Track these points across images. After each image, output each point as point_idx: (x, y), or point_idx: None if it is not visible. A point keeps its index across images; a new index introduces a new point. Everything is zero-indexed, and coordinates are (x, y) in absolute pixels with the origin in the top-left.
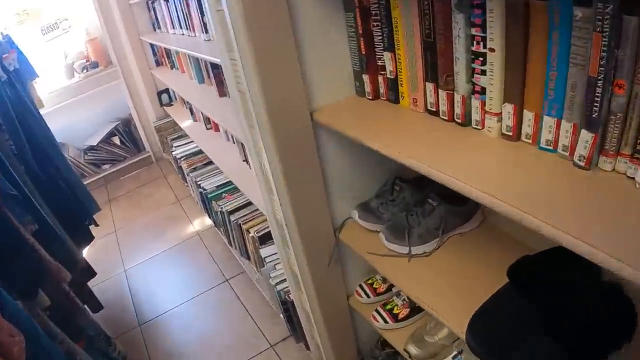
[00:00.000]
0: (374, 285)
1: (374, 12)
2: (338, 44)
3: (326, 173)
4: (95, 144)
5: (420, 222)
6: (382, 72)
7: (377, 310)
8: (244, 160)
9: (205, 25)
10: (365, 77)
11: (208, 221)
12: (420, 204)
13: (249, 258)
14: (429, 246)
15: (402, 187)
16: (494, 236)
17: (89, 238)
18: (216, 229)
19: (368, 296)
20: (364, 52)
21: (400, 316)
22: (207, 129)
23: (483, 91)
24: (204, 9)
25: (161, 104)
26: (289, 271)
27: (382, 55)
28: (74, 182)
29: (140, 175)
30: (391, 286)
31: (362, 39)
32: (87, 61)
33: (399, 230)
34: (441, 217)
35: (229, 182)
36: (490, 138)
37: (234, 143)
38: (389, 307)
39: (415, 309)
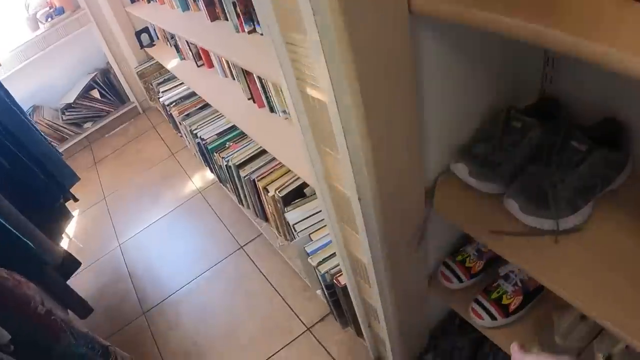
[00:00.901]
0: (467, 264)
1: None
2: None
3: (422, 102)
4: (72, 100)
5: (566, 178)
6: None
7: (478, 302)
8: (249, 99)
9: None
10: None
11: (210, 175)
12: (559, 149)
13: (266, 220)
14: (581, 215)
15: (526, 124)
16: None
17: (65, 219)
18: (221, 184)
19: (460, 280)
20: None
21: (512, 307)
22: (199, 66)
23: None
24: None
25: (141, 46)
26: (347, 256)
27: None
28: (41, 153)
29: (127, 130)
30: (491, 262)
31: None
32: (50, 8)
33: (538, 193)
34: (597, 169)
35: (233, 128)
36: None
37: (235, 79)
38: (495, 295)
39: (530, 295)
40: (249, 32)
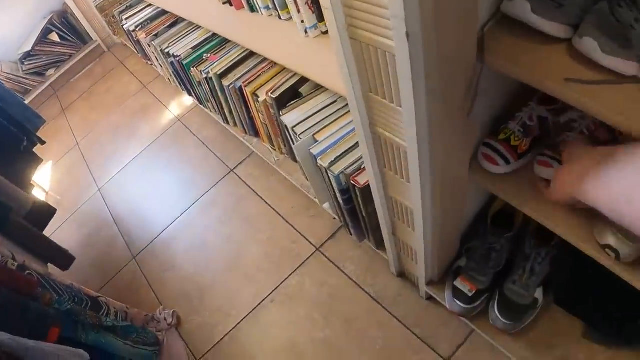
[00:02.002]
0: (512, 142)
1: None
2: None
3: None
4: (30, 48)
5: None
6: None
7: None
8: (225, 2)
9: None
10: None
11: (189, 100)
12: None
13: (257, 134)
14: None
15: None
16: None
17: (33, 165)
18: (202, 107)
19: (507, 161)
20: None
21: None
22: None
23: None
24: None
25: None
26: (371, 141)
27: None
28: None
29: (94, 71)
30: (538, 140)
31: None
32: None
33: (617, 32)
34: None
35: (208, 39)
36: None
37: None
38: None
39: None
40: None
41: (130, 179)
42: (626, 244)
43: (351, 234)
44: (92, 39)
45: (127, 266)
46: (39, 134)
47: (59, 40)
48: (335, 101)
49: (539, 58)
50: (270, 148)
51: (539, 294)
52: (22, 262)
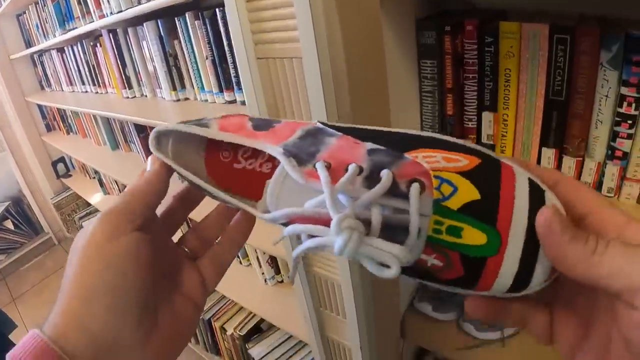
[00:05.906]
0: None
1: (470, 60)
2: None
3: None
4: None
5: None
6: (471, 136)
7: None
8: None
9: (127, 79)
10: None
11: None
12: None
13: (218, 353)
14: None
15: None
16: None
17: None
18: None
19: None
20: (450, 113)
21: None
22: None
23: (624, 156)
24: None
25: (58, 176)
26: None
27: (475, 115)
28: None
29: (44, 263)
30: None
31: (449, 95)
32: None
33: None
34: None
35: None
36: (626, 205)
37: None
38: None
39: None
40: None
41: None
42: None
43: None
44: (44, 230)
45: None
46: None
47: (12, 229)
48: (291, 336)
49: (440, 335)
50: None
51: None
52: None
